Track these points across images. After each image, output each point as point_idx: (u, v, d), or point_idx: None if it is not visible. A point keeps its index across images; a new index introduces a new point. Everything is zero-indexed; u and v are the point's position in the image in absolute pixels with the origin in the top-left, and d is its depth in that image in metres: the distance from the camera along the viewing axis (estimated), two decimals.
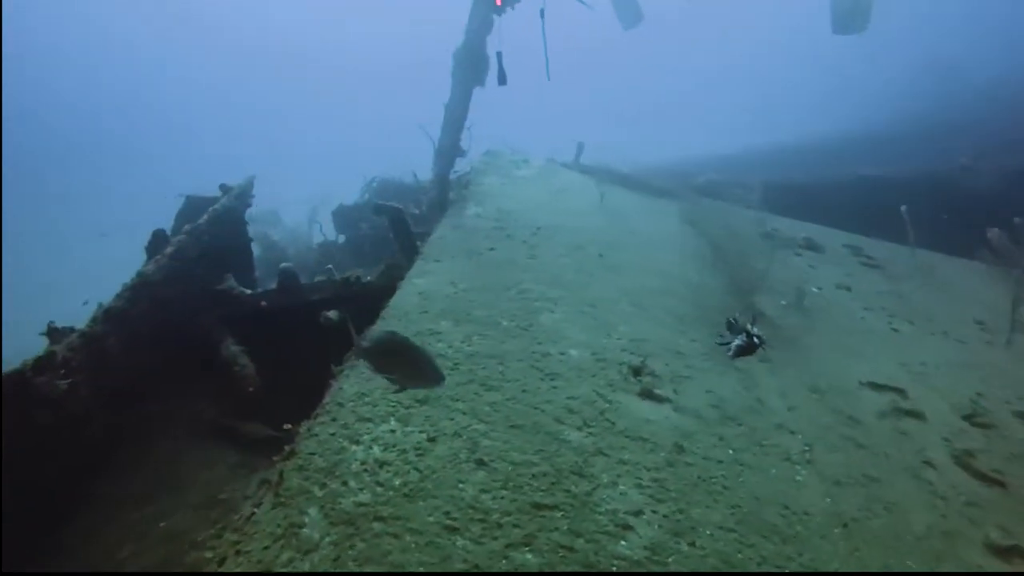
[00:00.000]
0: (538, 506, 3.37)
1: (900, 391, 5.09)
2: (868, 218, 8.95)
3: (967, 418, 4.89)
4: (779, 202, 8.64)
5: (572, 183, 8.68)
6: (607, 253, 6.64)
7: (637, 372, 4.67)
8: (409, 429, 3.77)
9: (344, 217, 10.83)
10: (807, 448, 4.27)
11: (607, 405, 4.29)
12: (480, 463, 3.59)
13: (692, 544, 3.33)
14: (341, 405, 3.89)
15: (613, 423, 4.13)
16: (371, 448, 3.59)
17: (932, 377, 5.44)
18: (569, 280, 5.91)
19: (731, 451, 4.11)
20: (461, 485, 3.43)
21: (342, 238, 11.29)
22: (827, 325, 6.08)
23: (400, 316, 4.93)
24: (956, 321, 6.62)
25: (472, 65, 6.74)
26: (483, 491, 3.42)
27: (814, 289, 6.76)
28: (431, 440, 3.71)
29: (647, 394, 4.46)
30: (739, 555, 3.33)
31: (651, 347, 5.03)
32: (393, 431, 3.75)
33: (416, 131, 8.12)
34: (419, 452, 3.60)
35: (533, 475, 3.57)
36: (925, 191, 8.81)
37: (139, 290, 5.24)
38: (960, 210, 8.79)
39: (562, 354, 4.77)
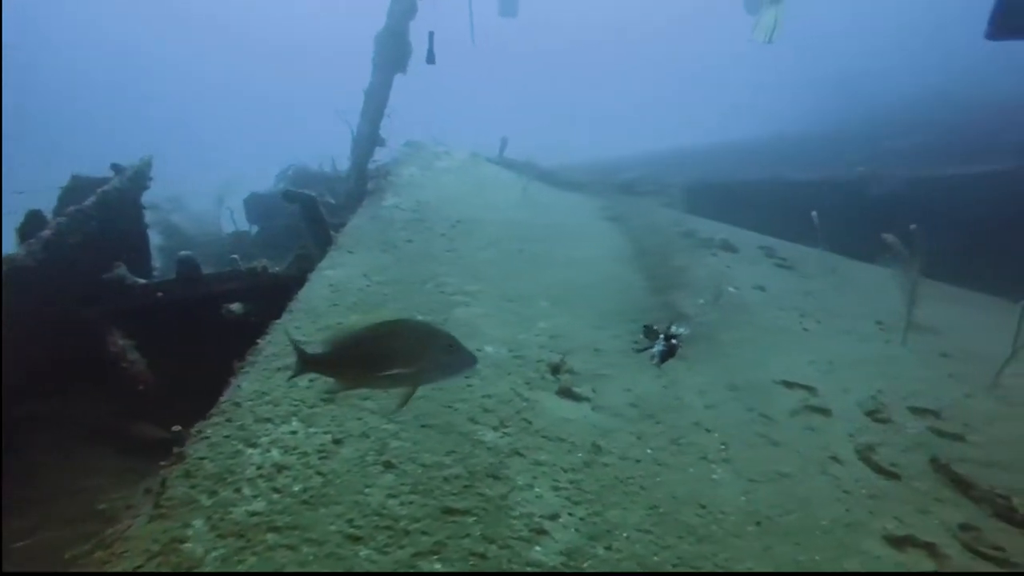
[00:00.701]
0: (449, 511, 3.19)
1: (810, 388, 5.22)
2: (782, 219, 9.28)
3: (869, 414, 5.06)
4: (697, 201, 8.80)
5: (494, 177, 8.54)
6: (527, 247, 6.52)
7: (556, 370, 4.56)
8: (313, 430, 3.50)
9: (257, 206, 10.24)
10: (723, 446, 4.28)
11: (524, 404, 4.15)
12: (388, 466, 3.37)
13: (608, 548, 3.23)
14: (238, 405, 3.56)
15: (530, 422, 3.99)
16: (269, 451, 3.30)
17: (838, 374, 5.62)
18: (488, 274, 5.75)
19: (649, 450, 4.06)
20: (368, 490, 3.20)
21: (255, 229, 10.70)
22: (743, 323, 6.19)
23: (308, 310, 4.62)
24: (859, 320, 6.90)
25: (394, 50, 6.43)
26: (391, 496, 3.20)
27: (731, 289, 6.89)
28: (336, 442, 3.45)
29: (566, 392, 4.36)
30: (655, 557, 3.26)
31: (570, 344, 4.94)
32: (295, 432, 3.47)
33: (335, 117, 7.71)
34: (323, 455, 3.34)
35: (445, 478, 3.38)
36: (833, 196, 9.19)
37: (8, 277, 4.67)
38: (864, 215, 9.20)
39: (479, 350, 4.59)
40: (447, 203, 7.13)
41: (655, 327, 4.17)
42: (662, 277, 6.01)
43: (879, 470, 4.39)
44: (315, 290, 4.90)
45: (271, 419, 3.50)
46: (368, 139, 6.83)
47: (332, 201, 8.13)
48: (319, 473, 3.21)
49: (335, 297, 4.84)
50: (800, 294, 7.29)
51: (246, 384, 3.73)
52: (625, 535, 3.34)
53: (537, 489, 3.48)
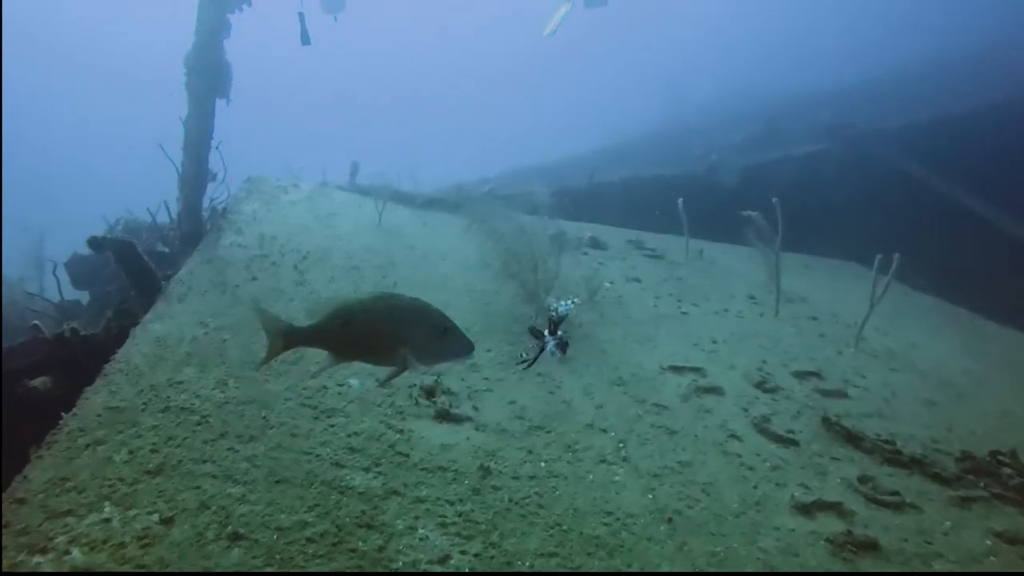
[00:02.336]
0: None
1: (698, 370, 5.11)
2: (642, 213, 9.45)
3: (758, 386, 5.01)
4: (563, 206, 8.73)
5: (346, 204, 7.97)
6: (387, 272, 6.04)
7: (430, 393, 4.10)
8: (133, 513, 2.81)
9: (82, 269, 8.95)
10: (621, 444, 4.00)
11: (398, 436, 3.65)
12: (236, 537, 2.75)
13: None
14: (23, 502, 2.79)
15: (406, 455, 3.50)
16: (68, 554, 2.57)
17: (723, 352, 5.57)
18: None
19: (543, 463, 3.68)
20: None
21: (86, 296, 9.35)
22: (622, 317, 6.04)
23: (128, 370, 3.86)
24: (733, 298, 7.01)
25: (208, 74, 5.74)
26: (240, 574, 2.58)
27: (606, 284, 6.76)
28: (165, 522, 2.78)
29: (443, 416, 3.90)
30: None
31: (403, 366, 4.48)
32: (108, 520, 2.77)
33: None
34: (145, 542, 2.66)
35: (308, 539, 2.81)
36: (686, 187, 9.45)
37: None
38: (712, 202, 9.58)
39: (340, 385, 4.04)
40: (295, 236, 6.49)
41: (539, 327, 3.81)
42: (535, 283, 5.74)
43: (777, 440, 4.30)
44: (137, 347, 4.13)
45: (72, 511, 2.77)
46: (195, 175, 6.06)
47: (166, 250, 7.22)
48: (140, 566, 2.54)
49: (162, 352, 4.10)
50: (673, 280, 7.32)
51: (37, 474, 2.95)
52: (528, 564, 2.92)
53: (421, 531, 2.98)
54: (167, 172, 6.65)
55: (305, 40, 7.24)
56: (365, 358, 2.38)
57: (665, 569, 3.03)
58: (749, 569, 3.09)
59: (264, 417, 3.61)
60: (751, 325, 6.37)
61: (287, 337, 2.31)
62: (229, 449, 3.30)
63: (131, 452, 3.16)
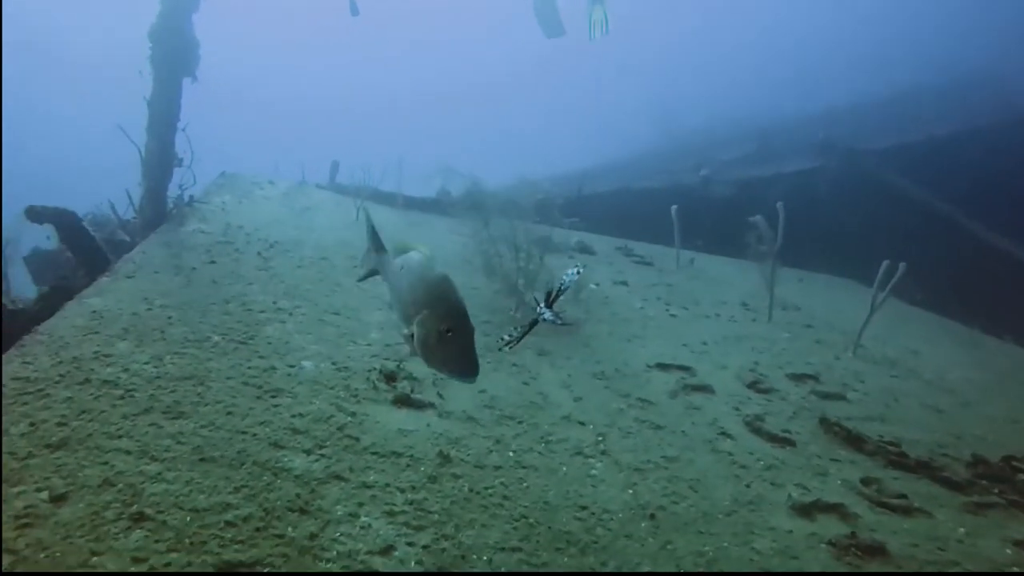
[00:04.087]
0: (228, 566, 2.20)
1: (687, 368, 4.74)
2: (635, 224, 9.14)
3: (750, 386, 4.65)
4: (550, 214, 8.42)
5: (323, 201, 7.63)
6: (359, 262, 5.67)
7: (391, 378, 3.70)
8: (18, 490, 2.38)
9: (43, 265, 8.51)
10: (600, 438, 3.60)
11: (349, 419, 3.25)
12: (139, 518, 2.33)
13: None
14: None
15: (356, 439, 3.09)
16: None
17: (713, 353, 5.21)
18: (308, 290, 4.82)
19: (511, 453, 3.28)
20: (97, 558, 2.14)
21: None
22: (608, 315, 5.68)
23: (50, 342, 3.45)
24: (724, 304, 6.67)
25: (173, 48, 5.37)
26: (137, 559, 2.16)
27: (592, 285, 6.41)
28: (57, 499, 2.36)
29: (403, 401, 3.50)
30: None
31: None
32: None
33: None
34: (24, 522, 2.23)
35: (227, 522, 2.39)
36: (676, 200, 9.18)
37: None
38: (704, 215, 9.34)
39: (292, 367, 3.64)
40: (265, 227, 6.12)
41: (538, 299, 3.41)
42: (518, 280, 5.39)
43: (772, 439, 3.92)
44: (67, 319, 3.72)
45: None
46: (160, 158, 5.67)
47: (127, 239, 6.82)
48: (10, 551, 2.11)
49: (95, 325, 3.69)
50: (663, 286, 6.97)
51: None
52: (486, 558, 2.50)
53: (364, 519, 2.57)
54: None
55: (354, 10, 7.27)
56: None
57: (646, 570, 2.62)
58: (743, 571, 2.68)
59: (200, 394, 3.20)
60: (743, 328, 6.02)
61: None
62: (152, 425, 2.88)
63: (32, 424, 2.73)
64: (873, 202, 10.81)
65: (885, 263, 5.73)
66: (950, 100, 13.14)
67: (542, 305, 3.20)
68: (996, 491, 3.71)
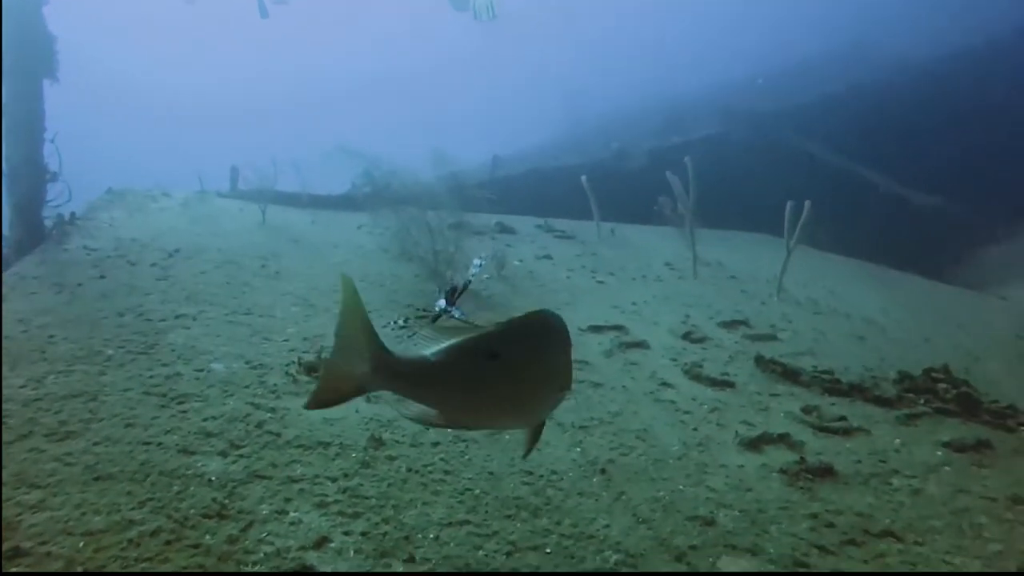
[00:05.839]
0: None
1: (620, 328, 4.68)
2: (548, 204, 9.11)
3: (684, 337, 4.64)
4: (465, 200, 8.26)
5: (225, 208, 7.19)
6: (267, 262, 5.33)
7: (313, 369, 3.43)
8: None
9: None
10: None
11: (268, 415, 2.97)
12: (14, 555, 2.00)
13: (411, 559, 2.18)
14: None
15: (277, 435, 2.82)
16: None
17: (644, 312, 5.18)
18: (214, 294, 4.46)
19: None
20: None
21: None
22: (535, 287, 5.57)
23: None
24: (649, 267, 6.70)
25: (27, 48, 4.79)
26: None
27: (516, 262, 6.29)
28: None
29: None
30: (480, 552, 2.28)
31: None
32: None
33: None
34: None
35: (129, 541, 2.09)
36: (591, 174, 9.19)
37: None
38: (619, 187, 9.44)
39: (200, 371, 3.32)
40: (161, 236, 5.66)
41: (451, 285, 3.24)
42: (437, 264, 5.20)
43: (712, 383, 3.90)
44: None
45: None
46: (27, 169, 5.09)
47: None
48: None
49: None
50: (587, 256, 6.94)
51: None
52: (432, 535, 2.31)
53: (293, 514, 2.32)
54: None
55: (263, 13, 7.63)
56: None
57: (603, 522, 2.49)
58: (700, 510, 2.60)
59: (92, 411, 2.85)
60: (671, 287, 6.05)
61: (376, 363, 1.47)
62: (31, 450, 2.52)
63: None
64: (775, 160, 11.27)
65: (790, 204, 5.89)
66: (845, 63, 14.04)
67: (443, 303, 3.05)
68: (922, 401, 3.85)
